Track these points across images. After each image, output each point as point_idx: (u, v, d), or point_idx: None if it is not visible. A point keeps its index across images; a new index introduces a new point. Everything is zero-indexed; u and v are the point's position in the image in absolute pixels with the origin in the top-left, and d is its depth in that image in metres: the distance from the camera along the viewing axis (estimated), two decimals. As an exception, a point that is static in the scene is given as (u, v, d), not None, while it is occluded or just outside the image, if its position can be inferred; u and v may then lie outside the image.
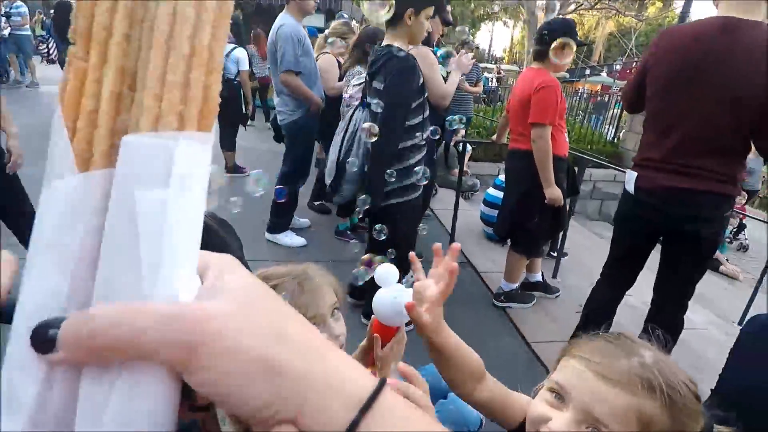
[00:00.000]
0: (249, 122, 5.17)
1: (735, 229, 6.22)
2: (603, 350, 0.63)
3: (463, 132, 5.34)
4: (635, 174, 1.91)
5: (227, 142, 4.80)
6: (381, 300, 0.85)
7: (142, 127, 0.21)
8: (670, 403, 0.57)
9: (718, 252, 5.49)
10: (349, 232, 3.52)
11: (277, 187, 3.20)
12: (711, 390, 1.71)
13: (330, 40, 3.33)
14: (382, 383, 0.23)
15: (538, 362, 2.38)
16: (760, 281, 3.27)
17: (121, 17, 0.22)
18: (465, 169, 5.27)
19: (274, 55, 2.99)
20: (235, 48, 4.39)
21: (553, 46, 2.38)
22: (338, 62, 3.45)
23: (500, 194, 3.31)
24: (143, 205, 0.21)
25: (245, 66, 4.48)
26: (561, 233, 3.15)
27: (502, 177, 3.67)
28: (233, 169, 4.73)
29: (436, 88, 2.35)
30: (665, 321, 1.90)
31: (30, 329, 0.20)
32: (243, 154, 5.04)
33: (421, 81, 2.08)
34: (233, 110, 4.54)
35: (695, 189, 1.74)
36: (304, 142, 3.22)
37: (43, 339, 0.20)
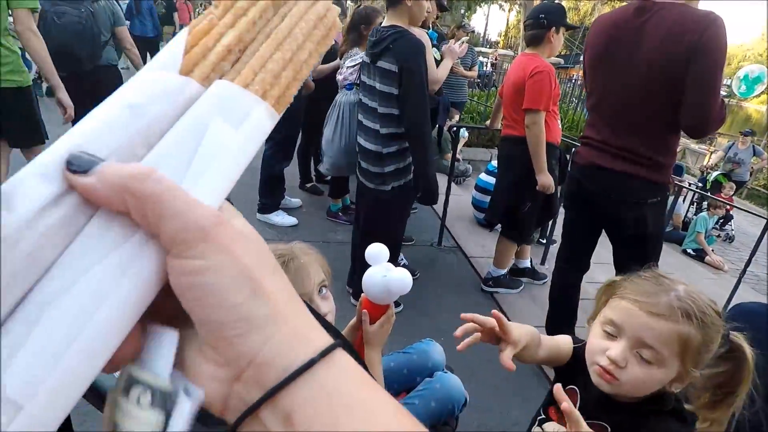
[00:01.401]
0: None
1: (722, 220, 6.30)
2: (647, 290, 0.77)
3: (457, 117, 5.31)
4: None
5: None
6: (371, 278, 0.86)
7: (236, 82, 0.26)
8: (702, 324, 0.73)
9: (705, 243, 5.58)
10: (340, 214, 3.51)
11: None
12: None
13: None
14: (342, 342, 0.23)
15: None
16: (743, 272, 3.32)
17: (257, 8, 0.28)
18: (457, 154, 5.26)
19: None
20: None
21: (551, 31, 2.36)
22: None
23: (492, 180, 3.32)
24: (213, 131, 0.24)
25: None
26: (551, 220, 3.17)
27: (494, 163, 3.67)
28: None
29: (429, 73, 2.32)
30: None
31: (73, 150, 0.21)
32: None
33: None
34: None
35: (613, 169, 1.78)
36: (290, 124, 3.16)
37: (82, 159, 0.21)
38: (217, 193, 0.24)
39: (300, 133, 3.40)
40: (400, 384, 1.20)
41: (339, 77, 2.90)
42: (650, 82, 1.66)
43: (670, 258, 5.15)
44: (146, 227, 0.21)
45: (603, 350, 0.76)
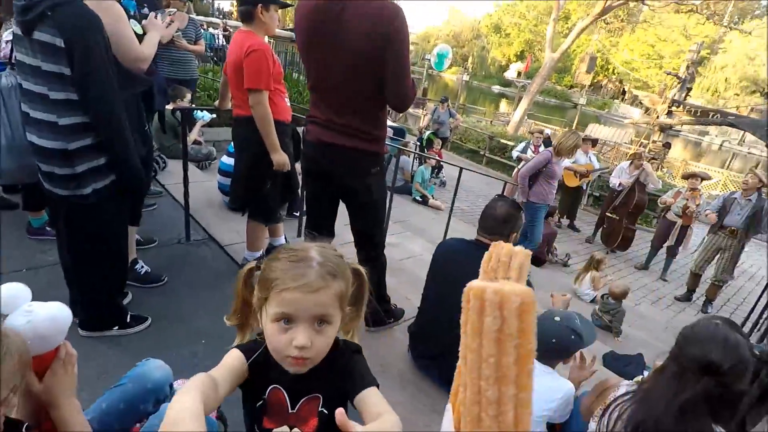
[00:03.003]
0: None
1: (437, 170, 7.87)
2: (296, 273, 0.81)
3: (189, 96, 4.86)
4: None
5: None
6: (18, 330, 0.67)
7: None
8: (339, 272, 0.84)
9: (423, 190, 6.86)
10: (48, 228, 2.78)
11: None
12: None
13: None
14: None
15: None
16: (451, 209, 4.27)
17: None
18: (198, 137, 4.87)
19: None
20: None
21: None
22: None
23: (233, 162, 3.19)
24: None
25: None
26: (295, 195, 3.28)
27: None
28: None
29: (127, 49, 1.93)
30: (365, 258, 2.24)
31: None
32: None
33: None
34: None
35: (340, 144, 1.98)
36: None
37: None
38: None
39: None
40: (121, 422, 1.03)
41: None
42: (356, 68, 1.81)
43: (406, 207, 6.15)
44: None
45: (289, 342, 0.80)
